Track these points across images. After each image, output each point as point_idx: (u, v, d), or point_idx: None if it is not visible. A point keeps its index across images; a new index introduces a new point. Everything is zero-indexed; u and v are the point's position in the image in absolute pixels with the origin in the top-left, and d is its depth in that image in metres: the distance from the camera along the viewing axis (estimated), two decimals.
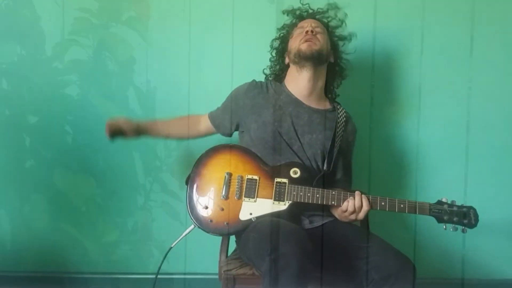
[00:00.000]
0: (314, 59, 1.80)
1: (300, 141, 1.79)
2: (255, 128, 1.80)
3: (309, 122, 1.81)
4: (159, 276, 1.84)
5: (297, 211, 1.74)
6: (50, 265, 2.29)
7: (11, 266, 2.27)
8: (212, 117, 1.94)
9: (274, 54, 1.98)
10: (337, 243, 1.69)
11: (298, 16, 1.94)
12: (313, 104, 1.85)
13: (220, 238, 1.87)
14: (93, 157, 2.25)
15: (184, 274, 1.90)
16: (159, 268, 1.79)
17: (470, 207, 1.67)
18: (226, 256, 1.87)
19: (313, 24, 1.85)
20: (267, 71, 2.01)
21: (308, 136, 1.80)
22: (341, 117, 1.86)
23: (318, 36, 1.83)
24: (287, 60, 1.91)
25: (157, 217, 2.29)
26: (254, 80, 1.91)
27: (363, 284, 1.61)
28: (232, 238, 1.86)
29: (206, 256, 1.90)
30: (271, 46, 2.00)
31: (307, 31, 1.82)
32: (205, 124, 1.95)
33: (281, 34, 1.97)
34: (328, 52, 1.86)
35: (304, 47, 1.80)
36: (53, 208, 2.27)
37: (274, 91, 1.86)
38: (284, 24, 1.97)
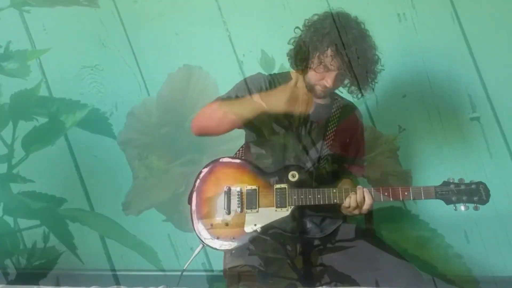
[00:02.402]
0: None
1: (310, 136, 1.77)
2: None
3: (317, 117, 1.79)
4: (163, 273, 1.84)
5: (302, 213, 1.73)
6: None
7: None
8: None
9: (306, 46, 1.73)
10: (348, 251, 1.71)
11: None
12: (319, 100, 1.80)
13: None
14: None
15: (191, 270, 1.91)
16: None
17: (480, 183, 1.60)
18: (231, 253, 1.86)
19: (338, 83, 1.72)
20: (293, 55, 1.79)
21: (316, 131, 1.78)
22: (336, 108, 1.82)
23: (338, 82, 1.73)
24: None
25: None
26: (260, 73, 1.83)
27: None
28: None
29: (212, 253, 1.92)
30: (307, 31, 1.74)
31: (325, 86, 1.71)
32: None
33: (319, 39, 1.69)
34: None
35: (318, 91, 1.73)
36: None
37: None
38: (322, 31, 1.70)
